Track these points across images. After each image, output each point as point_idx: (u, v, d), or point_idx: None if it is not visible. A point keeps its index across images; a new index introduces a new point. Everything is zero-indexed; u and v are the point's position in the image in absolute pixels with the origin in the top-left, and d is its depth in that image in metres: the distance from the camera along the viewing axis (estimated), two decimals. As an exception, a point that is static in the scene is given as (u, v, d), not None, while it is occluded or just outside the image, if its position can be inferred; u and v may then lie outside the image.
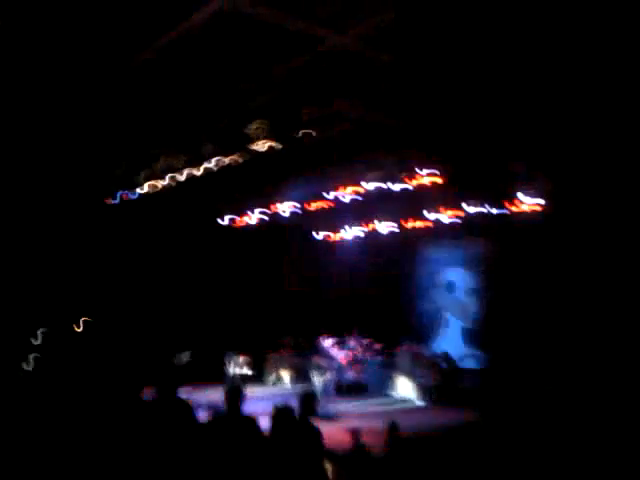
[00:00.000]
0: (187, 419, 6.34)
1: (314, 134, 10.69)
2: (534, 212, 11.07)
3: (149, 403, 6.80)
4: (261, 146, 10.94)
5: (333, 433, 6.74)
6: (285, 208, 12.93)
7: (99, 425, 6.29)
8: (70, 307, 12.50)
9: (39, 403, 7.59)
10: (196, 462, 5.45)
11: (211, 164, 11.53)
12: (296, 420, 5.80)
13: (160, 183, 12.14)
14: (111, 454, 5.63)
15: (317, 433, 5.51)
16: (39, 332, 11.96)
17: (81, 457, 5.68)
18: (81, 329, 12.51)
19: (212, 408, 6.55)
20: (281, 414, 6.09)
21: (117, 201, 12.55)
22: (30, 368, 11.40)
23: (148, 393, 7.13)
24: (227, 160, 11.43)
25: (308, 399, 6.01)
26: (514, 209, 11.23)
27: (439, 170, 11.36)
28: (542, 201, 10.98)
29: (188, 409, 6.50)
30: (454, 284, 13.49)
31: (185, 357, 12.55)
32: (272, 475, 5.24)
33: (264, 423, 5.71)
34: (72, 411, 6.95)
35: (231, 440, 5.83)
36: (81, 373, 9.94)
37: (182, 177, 11.86)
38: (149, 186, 12.25)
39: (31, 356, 11.50)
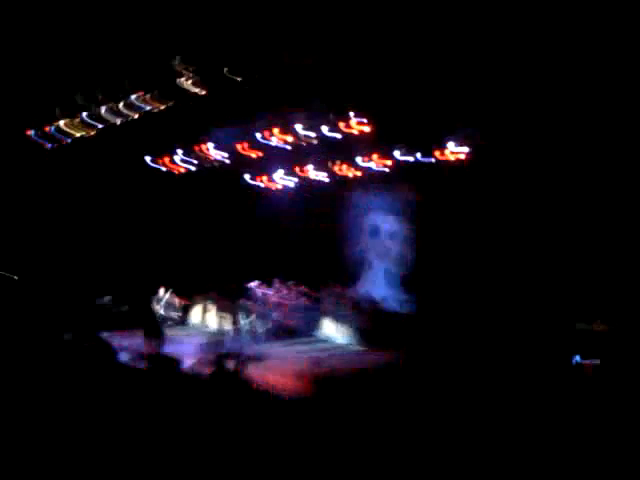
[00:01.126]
0: (107, 360, 6.37)
1: (239, 79, 10.63)
2: (459, 160, 11.40)
3: (69, 344, 6.78)
4: (188, 85, 10.76)
5: (261, 374, 6.94)
6: (215, 151, 12.80)
7: (21, 365, 6.27)
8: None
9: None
10: (117, 402, 5.50)
11: (139, 105, 11.32)
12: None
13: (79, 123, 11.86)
14: (32, 395, 5.64)
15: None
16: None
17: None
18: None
19: (133, 350, 6.62)
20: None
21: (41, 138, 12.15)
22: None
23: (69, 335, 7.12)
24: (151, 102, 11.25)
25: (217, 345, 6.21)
26: (440, 157, 11.55)
27: (370, 117, 11.48)
28: (466, 149, 11.33)
29: (108, 350, 6.53)
30: (380, 229, 13.77)
31: (107, 300, 12.38)
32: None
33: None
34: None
35: (150, 380, 5.93)
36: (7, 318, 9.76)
37: (113, 120, 11.57)
38: (68, 124, 11.91)
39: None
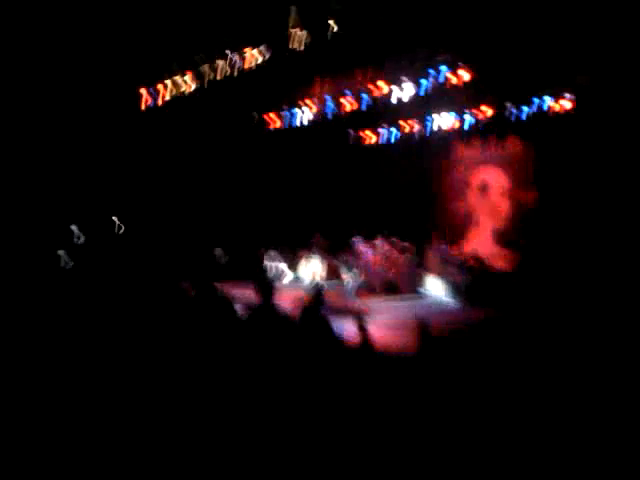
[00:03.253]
0: (228, 314, 6.68)
1: (336, 28, 10.54)
2: (567, 111, 10.93)
3: (190, 298, 7.09)
4: (294, 37, 10.78)
5: (365, 328, 7.02)
6: (314, 107, 12.85)
7: (140, 319, 6.62)
8: (105, 205, 12.75)
9: (78, 298, 7.95)
10: (237, 354, 5.74)
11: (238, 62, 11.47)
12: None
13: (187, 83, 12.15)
14: (153, 348, 5.95)
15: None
16: (73, 228, 12.24)
17: (123, 350, 5.99)
18: (115, 228, 12.81)
19: (244, 301, 6.87)
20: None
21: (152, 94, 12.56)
22: (65, 263, 11.73)
23: (187, 288, 7.48)
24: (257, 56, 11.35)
25: (318, 293, 6.35)
26: (545, 108, 11.12)
27: (469, 67, 11.17)
28: (572, 100, 10.83)
29: (228, 304, 6.84)
30: (486, 184, 13.49)
31: (219, 253, 12.87)
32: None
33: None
34: (112, 304, 7.30)
35: (266, 331, 6.16)
36: (118, 269, 10.29)
37: (212, 76, 11.78)
38: (175, 86, 12.24)
39: (63, 252, 11.78)
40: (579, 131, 11.08)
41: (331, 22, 10.82)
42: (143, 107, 12.66)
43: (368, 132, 13.92)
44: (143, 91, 12.55)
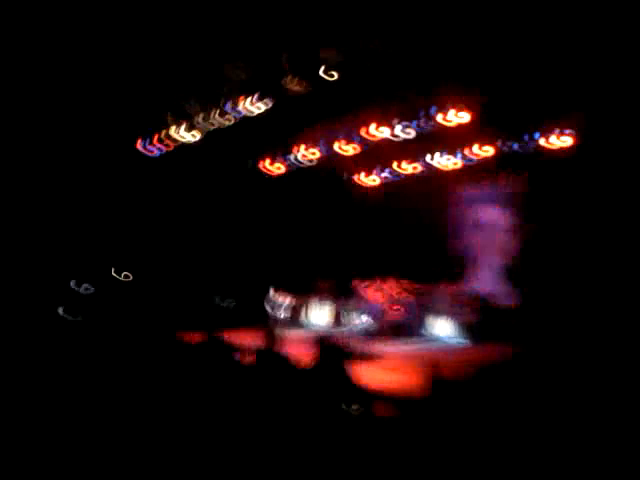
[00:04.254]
0: (231, 360, 6.60)
1: (335, 76, 10.65)
2: (566, 147, 10.95)
3: (195, 346, 7.02)
4: (291, 86, 10.89)
5: (373, 373, 6.93)
6: (315, 152, 12.90)
7: (144, 367, 6.56)
8: (109, 256, 12.75)
9: (84, 348, 7.90)
10: (241, 399, 5.67)
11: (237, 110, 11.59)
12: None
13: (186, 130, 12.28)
14: (158, 395, 5.88)
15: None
16: (75, 281, 12.23)
17: (126, 398, 5.93)
18: (121, 279, 12.79)
19: (245, 348, 6.80)
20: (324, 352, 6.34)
21: (147, 147, 12.67)
22: (69, 316, 11.67)
23: (192, 336, 7.40)
24: (252, 107, 11.48)
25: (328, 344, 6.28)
26: (546, 145, 11.14)
27: (469, 107, 11.21)
28: (573, 136, 10.85)
29: (232, 351, 6.77)
30: (484, 222, 13.47)
31: (227, 302, 12.82)
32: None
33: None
34: (116, 353, 7.25)
35: (273, 378, 6.08)
36: (124, 318, 10.24)
37: (214, 124, 11.92)
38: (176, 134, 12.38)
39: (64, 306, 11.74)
40: (579, 167, 11.11)
41: (322, 70, 10.94)
42: (141, 156, 12.74)
43: (365, 175, 13.95)
44: (140, 142, 12.66)
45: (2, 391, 6.17)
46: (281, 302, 13.15)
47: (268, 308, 13.05)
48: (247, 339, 8.28)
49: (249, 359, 6.57)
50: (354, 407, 5.62)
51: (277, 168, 13.53)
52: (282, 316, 12.94)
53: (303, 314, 13.11)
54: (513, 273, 12.52)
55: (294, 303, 13.15)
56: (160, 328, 8.36)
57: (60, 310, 11.42)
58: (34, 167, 11.85)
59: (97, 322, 10.62)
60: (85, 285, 12.16)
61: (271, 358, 6.57)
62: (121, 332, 8.50)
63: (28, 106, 11.27)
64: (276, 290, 13.10)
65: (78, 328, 10.71)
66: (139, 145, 12.58)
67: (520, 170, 12.28)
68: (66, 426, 5.44)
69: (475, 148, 12.16)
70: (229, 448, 4.95)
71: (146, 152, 12.58)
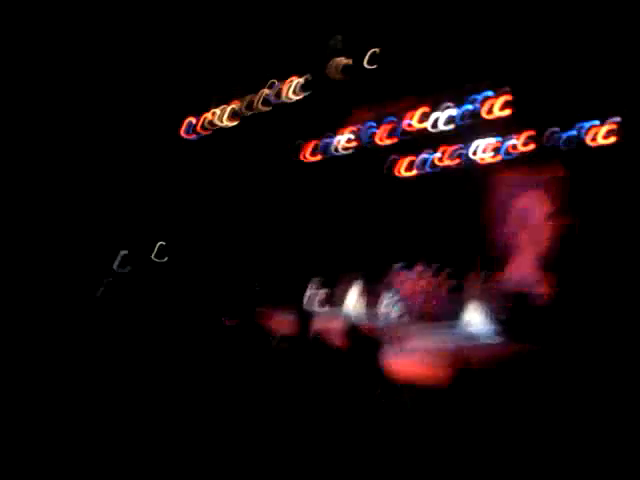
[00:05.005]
0: (266, 345, 6.73)
1: (377, 52, 10.60)
2: (610, 142, 10.73)
3: (230, 327, 7.18)
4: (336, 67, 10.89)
5: (402, 363, 6.97)
6: (351, 140, 12.92)
7: (179, 350, 6.72)
8: (147, 234, 12.96)
9: (118, 327, 8.11)
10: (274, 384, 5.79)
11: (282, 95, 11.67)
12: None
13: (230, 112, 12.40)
14: (193, 378, 6.03)
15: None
16: (120, 256, 12.46)
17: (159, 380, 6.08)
18: (157, 255, 13.00)
19: (287, 335, 6.91)
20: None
21: (191, 132, 12.84)
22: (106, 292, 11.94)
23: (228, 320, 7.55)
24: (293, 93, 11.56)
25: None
26: (589, 139, 10.95)
27: (511, 99, 11.10)
28: (617, 131, 10.64)
29: (266, 335, 6.90)
30: (526, 215, 13.31)
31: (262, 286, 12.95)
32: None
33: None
34: (149, 334, 7.43)
35: (305, 364, 6.19)
36: (158, 299, 10.44)
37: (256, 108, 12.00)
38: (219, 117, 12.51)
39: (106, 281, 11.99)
40: (622, 159, 10.89)
41: (370, 51, 10.93)
42: (184, 138, 12.92)
43: (407, 160, 13.90)
44: (187, 120, 12.83)
45: (37, 371, 6.36)
46: (315, 289, 13.24)
47: (303, 295, 13.14)
48: (281, 324, 8.41)
49: (283, 344, 6.68)
50: (382, 395, 5.70)
51: (315, 156, 13.58)
52: (316, 303, 13.02)
53: (336, 302, 13.15)
54: (551, 268, 12.36)
55: (327, 291, 13.22)
56: (195, 311, 8.53)
57: (98, 292, 11.70)
58: (78, 151, 12.12)
59: (131, 303, 10.85)
60: (124, 265, 12.42)
61: (304, 344, 6.68)
62: (154, 314, 8.69)
63: (74, 91, 11.53)
64: (311, 277, 13.19)
65: (112, 308, 10.98)
66: (182, 131, 12.78)
67: (561, 164, 12.10)
68: (101, 404, 5.62)
69: (516, 141, 12.03)
70: (258, 431, 5.07)
71: (187, 137, 12.77)
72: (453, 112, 11.63)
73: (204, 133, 12.84)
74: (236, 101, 12.59)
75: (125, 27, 10.87)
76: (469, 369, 5.89)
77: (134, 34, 10.91)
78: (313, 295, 13.12)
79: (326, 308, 12.92)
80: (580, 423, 5.29)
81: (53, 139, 11.76)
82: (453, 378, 5.84)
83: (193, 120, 12.87)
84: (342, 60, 11.25)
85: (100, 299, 11.48)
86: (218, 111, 12.77)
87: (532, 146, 11.86)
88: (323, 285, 13.13)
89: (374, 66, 11.10)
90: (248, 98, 12.46)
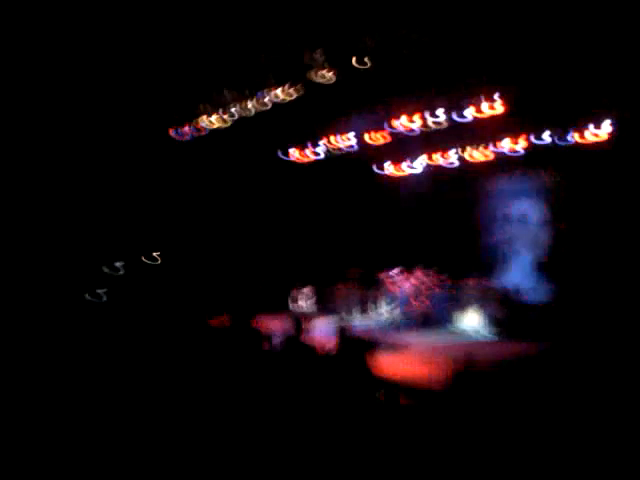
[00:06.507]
0: (258, 346, 6.65)
1: (369, 64, 10.61)
2: (602, 141, 10.73)
3: (223, 330, 7.09)
4: (320, 77, 10.89)
5: (400, 363, 6.88)
6: (346, 141, 12.84)
7: (174, 352, 6.62)
8: (142, 241, 12.88)
9: (113, 332, 8.00)
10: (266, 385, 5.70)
11: (268, 99, 11.63)
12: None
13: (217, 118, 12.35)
14: (186, 380, 5.93)
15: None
16: (117, 265, 12.38)
17: (154, 384, 5.98)
18: (153, 261, 12.91)
19: (279, 337, 6.83)
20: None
21: (180, 134, 12.77)
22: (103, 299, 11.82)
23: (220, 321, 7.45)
24: (283, 95, 11.51)
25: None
26: (580, 139, 10.93)
27: (503, 99, 11.06)
28: (608, 131, 10.63)
29: (259, 337, 6.81)
30: (522, 216, 13.29)
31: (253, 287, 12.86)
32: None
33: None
34: (146, 339, 7.32)
35: (297, 366, 6.10)
36: (155, 304, 10.33)
37: (245, 112, 11.96)
38: (207, 121, 12.46)
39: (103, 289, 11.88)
40: (614, 162, 10.89)
41: (355, 59, 10.91)
42: (174, 142, 12.85)
43: (395, 165, 13.84)
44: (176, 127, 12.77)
45: (28, 375, 6.27)
46: (308, 291, 13.17)
47: (295, 296, 13.08)
48: (274, 325, 8.32)
49: (275, 346, 6.61)
50: (384, 397, 5.64)
51: (306, 157, 13.51)
52: (309, 305, 12.96)
53: (331, 304, 13.09)
54: (544, 268, 12.35)
55: (322, 292, 13.16)
56: (188, 312, 8.43)
57: (87, 294, 11.59)
58: (69, 153, 12.03)
59: (124, 305, 10.74)
60: (115, 267, 12.31)
61: (296, 346, 6.60)
62: (147, 316, 8.59)
63: (70, 95, 11.46)
64: (304, 279, 13.13)
65: (104, 311, 10.86)
66: (172, 132, 12.70)
67: (553, 164, 12.09)
68: (92, 408, 5.52)
69: (508, 141, 12.00)
70: (251, 432, 4.98)
71: (178, 138, 12.70)
72: (447, 114, 11.55)
73: (194, 134, 12.76)
74: (225, 107, 12.53)
75: (110, 36, 10.78)
76: (466, 369, 5.81)
77: (120, 42, 10.83)
78: (305, 298, 13.06)
79: (321, 310, 12.88)
80: (574, 421, 5.24)
81: (41, 143, 11.69)
82: (450, 378, 5.75)
83: (181, 126, 12.81)
84: (329, 65, 11.22)
85: (92, 303, 11.41)
86: (206, 117, 12.70)
87: (524, 146, 11.84)
88: (318, 287, 13.09)
89: (364, 67, 11.05)
90: (236, 105, 12.39)
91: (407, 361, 7.95)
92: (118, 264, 12.37)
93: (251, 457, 4.73)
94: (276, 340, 6.68)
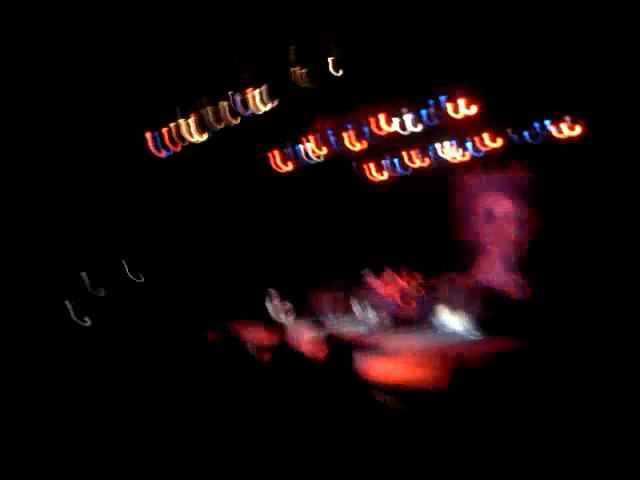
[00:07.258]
0: (245, 357, 6.65)
1: (339, 74, 10.69)
2: (576, 136, 10.91)
3: (210, 344, 7.07)
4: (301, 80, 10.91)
5: (387, 367, 6.93)
6: (321, 147, 12.89)
7: (159, 368, 6.59)
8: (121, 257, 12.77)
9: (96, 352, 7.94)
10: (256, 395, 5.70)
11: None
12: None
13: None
14: (174, 394, 5.91)
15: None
16: (84, 275, 12.21)
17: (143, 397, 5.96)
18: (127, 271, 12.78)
19: (266, 347, 6.83)
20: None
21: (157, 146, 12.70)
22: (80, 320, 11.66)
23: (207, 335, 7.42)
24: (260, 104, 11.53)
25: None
26: (556, 134, 11.10)
27: (477, 98, 11.20)
28: (583, 125, 10.81)
29: (245, 348, 6.81)
30: (493, 212, 13.42)
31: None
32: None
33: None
34: (129, 356, 7.28)
35: (285, 375, 6.11)
36: (137, 320, 10.25)
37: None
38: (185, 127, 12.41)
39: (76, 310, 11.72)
40: (590, 157, 11.06)
41: (331, 65, 10.97)
42: (151, 156, 12.76)
43: (372, 165, 13.93)
44: (148, 135, 12.66)
45: (12, 397, 6.21)
46: (291, 299, 13.13)
47: (277, 304, 13.04)
48: (260, 336, 8.32)
49: (262, 356, 6.61)
50: (368, 400, 5.66)
51: (286, 164, 13.51)
52: (292, 313, 12.92)
53: (315, 309, 13.09)
54: (524, 265, 12.49)
55: (306, 298, 13.14)
56: (174, 328, 8.40)
57: (71, 314, 11.43)
58: (42, 167, 11.88)
59: (110, 325, 10.63)
60: (98, 287, 12.18)
61: (282, 355, 6.61)
62: (134, 334, 8.54)
63: (40, 105, 11.31)
64: (287, 286, 13.09)
65: (90, 332, 10.75)
66: (150, 144, 12.61)
67: (530, 160, 12.24)
68: (78, 431, 5.48)
69: (484, 139, 12.14)
70: (241, 444, 4.99)
71: (156, 152, 12.61)
72: (421, 113, 11.67)
73: (173, 149, 12.70)
74: (200, 113, 12.48)
75: (87, 42, 10.70)
76: (459, 368, 5.87)
77: (98, 48, 10.76)
78: (282, 306, 13.02)
79: (295, 318, 12.85)
80: (564, 418, 5.32)
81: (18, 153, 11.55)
82: (438, 378, 5.82)
83: (158, 133, 12.74)
84: (302, 70, 11.26)
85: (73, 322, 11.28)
86: (182, 122, 12.66)
87: (500, 144, 11.99)
88: (302, 293, 13.06)
89: (339, 74, 11.11)
90: (213, 109, 12.37)
91: (398, 364, 8.00)
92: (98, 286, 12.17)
93: (251, 460, 4.75)
94: (263, 350, 6.69)
